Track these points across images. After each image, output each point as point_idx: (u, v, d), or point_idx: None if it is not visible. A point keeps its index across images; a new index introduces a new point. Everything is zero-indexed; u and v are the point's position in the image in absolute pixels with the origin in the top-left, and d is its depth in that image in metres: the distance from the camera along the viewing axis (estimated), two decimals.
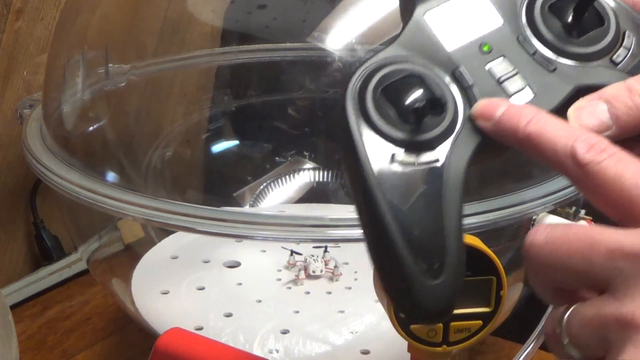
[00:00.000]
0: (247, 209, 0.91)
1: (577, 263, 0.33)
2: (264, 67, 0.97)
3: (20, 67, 0.89)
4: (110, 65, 0.83)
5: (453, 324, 0.50)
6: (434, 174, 0.35)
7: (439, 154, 0.36)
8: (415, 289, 0.34)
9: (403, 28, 0.38)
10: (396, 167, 0.35)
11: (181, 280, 0.79)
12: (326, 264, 0.79)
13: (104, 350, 0.85)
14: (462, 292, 0.49)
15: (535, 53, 0.38)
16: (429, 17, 0.38)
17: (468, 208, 0.60)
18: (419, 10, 0.39)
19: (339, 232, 0.59)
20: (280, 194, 0.94)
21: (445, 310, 0.35)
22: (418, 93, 0.36)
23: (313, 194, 0.93)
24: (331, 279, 0.79)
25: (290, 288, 0.78)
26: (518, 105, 0.37)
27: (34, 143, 0.73)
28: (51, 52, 0.85)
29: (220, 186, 0.99)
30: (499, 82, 0.37)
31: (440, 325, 0.50)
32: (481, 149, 0.37)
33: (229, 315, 0.74)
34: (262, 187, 0.93)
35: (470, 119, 0.37)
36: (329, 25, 0.84)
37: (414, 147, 0.36)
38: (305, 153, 0.95)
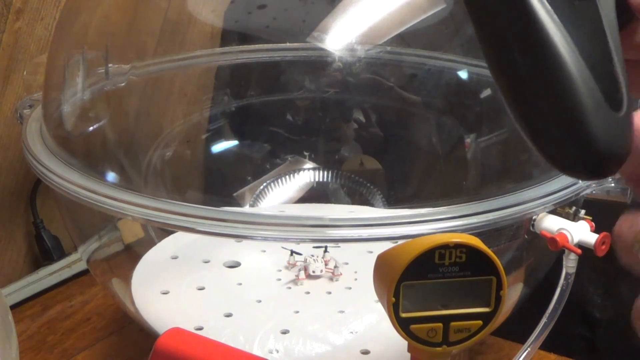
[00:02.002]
0: (247, 209, 0.91)
1: None
2: (264, 67, 0.97)
3: (20, 67, 0.89)
4: (110, 65, 0.83)
5: (453, 324, 0.50)
6: (592, 6, 0.31)
7: None
8: (598, 119, 0.29)
9: None
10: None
11: (181, 280, 0.79)
12: (326, 264, 0.79)
13: (104, 350, 0.85)
14: (462, 292, 0.50)
15: None
16: None
17: (468, 208, 0.60)
18: None
19: (339, 232, 0.59)
20: (280, 194, 0.94)
21: (626, 152, 0.30)
22: None
23: (313, 194, 0.93)
24: (331, 279, 0.79)
25: (290, 288, 0.78)
26: None
27: (34, 143, 0.73)
28: (51, 52, 0.85)
29: (220, 186, 0.99)
30: None
31: (440, 325, 0.50)
32: None
33: (229, 315, 0.74)
34: (262, 187, 0.93)
35: None
36: (329, 25, 0.84)
37: None
38: (305, 153, 0.95)
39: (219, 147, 1.01)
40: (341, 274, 0.79)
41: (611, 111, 0.29)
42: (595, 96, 0.29)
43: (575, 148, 0.29)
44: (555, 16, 0.29)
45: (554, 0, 0.30)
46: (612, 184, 0.65)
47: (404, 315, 0.49)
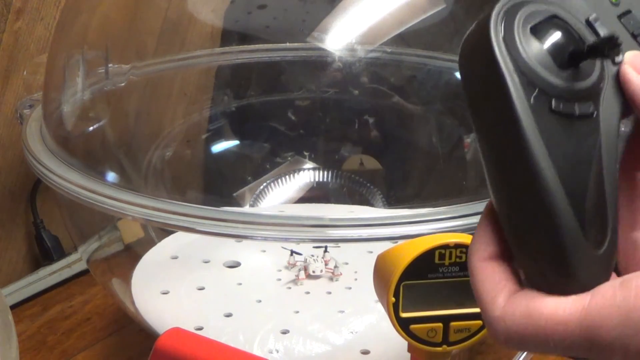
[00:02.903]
0: (247, 209, 0.91)
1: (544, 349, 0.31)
2: (264, 67, 0.98)
3: (20, 67, 0.89)
4: (110, 65, 0.83)
5: (453, 324, 0.50)
6: (591, 128, 0.31)
7: (593, 107, 0.31)
8: (576, 257, 0.30)
9: None
10: (554, 119, 0.30)
11: (181, 280, 0.79)
12: (326, 264, 0.79)
13: (104, 350, 0.85)
14: (462, 292, 0.50)
15: None
16: None
17: (468, 208, 0.60)
18: None
19: (339, 232, 0.59)
20: (280, 194, 0.94)
21: (601, 283, 0.31)
22: (571, 36, 0.32)
23: (313, 194, 0.93)
24: (331, 279, 0.79)
25: (290, 288, 0.78)
26: None
27: (34, 143, 0.73)
28: (51, 52, 0.85)
29: (220, 186, 0.99)
30: (634, 36, 0.34)
31: (440, 325, 0.50)
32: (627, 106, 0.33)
33: (229, 315, 0.74)
34: (262, 187, 0.93)
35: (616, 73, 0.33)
36: (329, 25, 0.84)
37: (572, 96, 0.31)
38: (305, 153, 0.95)
39: (219, 147, 1.01)
40: (341, 274, 0.79)
41: (591, 249, 0.30)
42: (576, 237, 0.30)
43: (553, 279, 0.31)
44: (545, 149, 0.30)
45: (550, 121, 0.30)
46: None
47: (404, 315, 0.49)
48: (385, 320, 0.50)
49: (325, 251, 0.80)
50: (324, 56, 0.85)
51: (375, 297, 0.51)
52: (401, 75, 0.94)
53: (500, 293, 0.32)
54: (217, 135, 1.00)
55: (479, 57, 0.31)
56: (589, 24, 0.33)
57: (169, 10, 0.95)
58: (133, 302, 0.76)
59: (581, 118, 0.31)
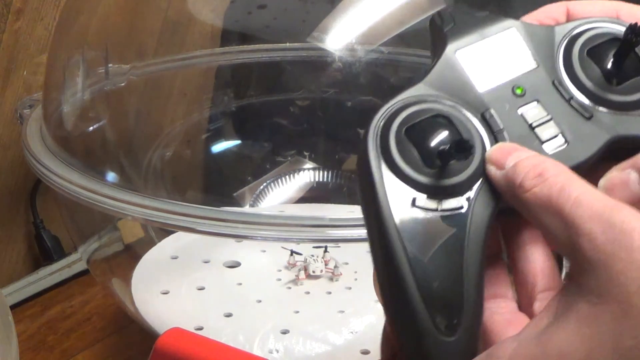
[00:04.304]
0: (247, 209, 0.91)
1: None
2: (264, 67, 0.98)
3: (20, 67, 0.89)
4: (110, 65, 0.83)
5: None
6: (457, 223, 0.33)
7: (463, 201, 0.33)
8: (428, 345, 0.32)
9: (432, 66, 0.36)
10: (417, 213, 0.33)
11: (181, 280, 0.79)
12: (326, 264, 0.79)
13: (104, 350, 0.85)
14: None
15: (571, 99, 0.36)
16: (460, 56, 0.36)
17: None
18: (450, 48, 0.36)
19: (339, 232, 0.59)
20: (280, 194, 0.94)
21: None
22: (444, 135, 0.34)
23: (313, 194, 0.93)
24: (331, 279, 0.79)
25: (290, 288, 0.78)
26: (538, 157, 0.33)
27: (34, 143, 0.73)
28: (51, 52, 0.85)
29: (220, 186, 0.99)
30: (531, 128, 0.35)
31: None
32: (505, 202, 0.34)
33: (229, 315, 0.74)
34: (262, 187, 0.93)
35: None
36: (329, 25, 0.84)
37: (437, 192, 0.33)
38: (305, 153, 0.95)
39: (219, 147, 1.01)
40: (341, 274, 0.79)
41: (441, 338, 0.32)
42: (431, 327, 0.32)
43: None
44: (400, 243, 0.32)
45: (413, 215, 0.33)
46: None
47: None
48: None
49: (325, 251, 0.80)
50: (324, 56, 0.85)
51: (375, 297, 0.51)
52: (401, 76, 0.94)
53: None
54: (217, 135, 1.00)
55: (359, 159, 0.34)
56: (484, 118, 0.35)
57: (169, 10, 0.95)
58: (133, 302, 0.76)
59: (445, 212, 0.33)
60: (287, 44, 0.93)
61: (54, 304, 0.93)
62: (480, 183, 0.34)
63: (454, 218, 0.33)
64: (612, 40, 0.36)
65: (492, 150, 0.34)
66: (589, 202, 0.30)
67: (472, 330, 0.33)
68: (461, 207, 0.33)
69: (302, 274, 0.79)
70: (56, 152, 0.71)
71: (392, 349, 0.34)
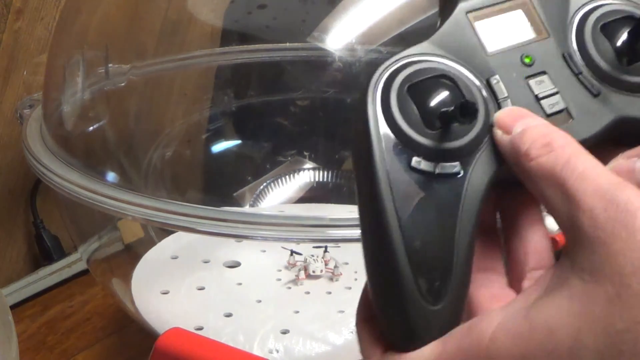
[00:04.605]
0: (247, 209, 0.91)
1: None
2: (264, 67, 0.98)
3: (20, 67, 0.89)
4: (110, 65, 0.83)
5: None
6: (453, 187, 0.32)
7: (462, 166, 0.32)
8: (410, 311, 0.31)
9: (440, 24, 0.35)
10: (412, 174, 0.32)
11: (181, 280, 0.79)
12: (326, 264, 0.79)
13: (104, 350, 0.85)
14: None
15: (580, 74, 0.35)
16: (470, 17, 0.35)
17: None
18: (460, 8, 0.35)
19: (339, 232, 0.59)
20: (280, 194, 0.94)
21: (434, 339, 0.32)
22: (448, 96, 0.33)
23: (313, 194, 0.93)
24: (331, 279, 0.79)
25: (290, 288, 0.78)
26: (547, 126, 0.32)
27: (34, 143, 0.73)
28: (51, 52, 0.85)
29: (220, 186, 0.99)
30: (537, 99, 0.34)
31: None
32: (506, 171, 0.33)
33: (229, 315, 0.74)
34: (262, 187, 0.93)
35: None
36: (329, 25, 0.84)
37: (436, 155, 0.32)
38: (305, 153, 0.95)
39: (219, 147, 1.01)
40: (341, 274, 0.79)
41: (427, 306, 0.31)
42: (416, 292, 0.31)
43: (397, 331, 0.32)
44: (393, 205, 0.31)
45: (408, 177, 0.32)
46: None
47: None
48: None
49: (325, 251, 0.80)
50: (324, 56, 0.85)
51: None
52: None
53: (374, 353, 0.33)
54: (217, 135, 1.00)
55: (357, 113, 0.33)
56: (489, 84, 0.34)
57: (169, 10, 0.95)
58: (133, 302, 0.76)
59: (442, 177, 0.32)
60: (287, 44, 0.93)
61: (54, 304, 0.93)
62: (481, 149, 0.33)
63: (450, 182, 0.32)
64: (627, 18, 0.35)
65: (502, 113, 0.33)
66: (594, 178, 0.30)
67: (458, 300, 0.32)
68: (459, 173, 0.32)
69: (302, 274, 0.79)
70: (56, 152, 0.71)
71: (371, 311, 0.33)
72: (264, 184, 0.93)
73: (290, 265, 0.80)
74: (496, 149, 0.33)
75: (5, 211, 0.93)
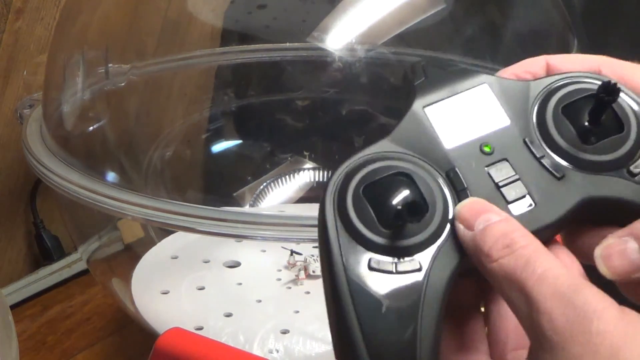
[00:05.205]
0: (247, 209, 0.91)
1: None
2: (264, 67, 0.97)
3: (20, 67, 0.89)
4: (110, 65, 0.83)
5: None
6: (414, 285, 0.31)
7: (421, 262, 0.32)
8: None
9: (399, 121, 0.35)
10: (373, 275, 0.31)
11: (181, 280, 0.79)
12: None
13: (104, 350, 0.85)
14: None
15: (542, 157, 0.34)
16: (428, 112, 0.35)
17: None
18: (417, 103, 0.35)
19: None
20: (280, 194, 0.94)
21: None
22: (402, 194, 0.32)
23: (313, 194, 0.93)
24: None
25: (290, 288, 0.78)
26: (508, 223, 0.32)
27: (34, 143, 0.73)
28: (51, 52, 0.85)
29: (220, 186, 0.99)
30: (497, 187, 0.34)
31: None
32: (469, 262, 0.32)
33: (229, 315, 0.74)
34: (262, 187, 0.93)
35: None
36: (329, 25, 0.84)
37: (394, 253, 0.32)
38: (305, 153, 0.95)
39: (219, 147, 1.01)
40: None
41: None
42: None
43: None
44: (352, 305, 0.31)
45: (368, 276, 0.31)
46: None
47: None
48: None
49: None
50: (324, 56, 0.85)
51: None
52: (401, 76, 0.94)
53: None
54: (217, 135, 1.00)
55: (319, 219, 0.33)
56: (448, 177, 0.33)
57: (169, 10, 0.95)
58: (133, 302, 0.76)
59: (401, 273, 0.32)
60: (287, 44, 0.93)
61: (54, 304, 0.93)
62: (440, 243, 0.32)
63: (410, 279, 0.32)
64: (589, 97, 0.34)
65: (462, 207, 0.33)
66: (553, 280, 0.29)
67: None
68: (419, 269, 0.32)
69: (302, 274, 0.79)
70: (56, 152, 0.71)
71: None
72: (264, 184, 0.93)
73: (290, 265, 0.80)
74: (456, 241, 0.32)
75: (5, 211, 0.93)
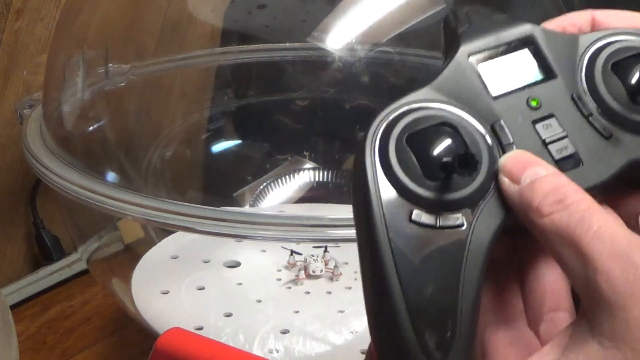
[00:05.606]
0: (247, 209, 0.91)
1: None
2: (264, 67, 0.97)
3: (20, 67, 0.89)
4: (110, 65, 0.83)
5: None
6: (456, 241, 0.30)
7: (465, 218, 0.31)
8: None
9: (442, 69, 0.34)
10: (413, 228, 0.30)
11: (181, 280, 0.79)
12: (326, 264, 0.79)
13: (104, 350, 0.85)
14: None
15: (590, 115, 0.33)
16: (473, 60, 0.34)
17: None
18: (462, 51, 0.34)
19: (339, 232, 0.59)
20: (280, 194, 0.94)
21: None
22: (448, 146, 0.31)
23: (313, 194, 0.93)
24: (331, 279, 0.79)
25: (290, 288, 0.78)
26: (558, 177, 0.30)
27: (34, 143, 0.73)
28: (51, 52, 0.85)
29: (220, 186, 0.99)
30: (544, 144, 0.32)
31: None
32: (512, 219, 0.31)
33: (229, 315, 0.74)
34: (262, 187, 0.93)
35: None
36: (329, 25, 0.84)
37: (437, 207, 0.31)
38: (305, 153, 0.95)
39: (219, 147, 1.01)
40: (341, 273, 0.79)
41: (430, 359, 0.30)
42: (417, 348, 0.30)
43: None
44: (392, 259, 0.30)
45: (408, 230, 0.30)
46: None
47: None
48: None
49: (325, 251, 0.80)
50: (324, 56, 0.85)
51: None
52: (401, 75, 0.94)
53: None
54: (217, 135, 1.00)
55: (355, 165, 0.32)
56: (493, 130, 0.32)
57: (169, 10, 0.95)
58: (133, 302, 0.76)
59: (444, 229, 0.31)
60: (287, 44, 0.93)
61: (54, 304, 0.93)
62: (486, 198, 0.31)
63: (453, 235, 0.31)
64: (639, 55, 0.33)
65: (508, 159, 0.31)
66: (610, 237, 0.28)
67: (465, 352, 0.30)
68: (462, 224, 0.31)
69: (302, 274, 0.79)
70: (56, 152, 0.71)
71: None
72: (264, 184, 0.93)
73: (290, 265, 0.80)
74: (502, 197, 0.31)
75: (5, 211, 0.93)
